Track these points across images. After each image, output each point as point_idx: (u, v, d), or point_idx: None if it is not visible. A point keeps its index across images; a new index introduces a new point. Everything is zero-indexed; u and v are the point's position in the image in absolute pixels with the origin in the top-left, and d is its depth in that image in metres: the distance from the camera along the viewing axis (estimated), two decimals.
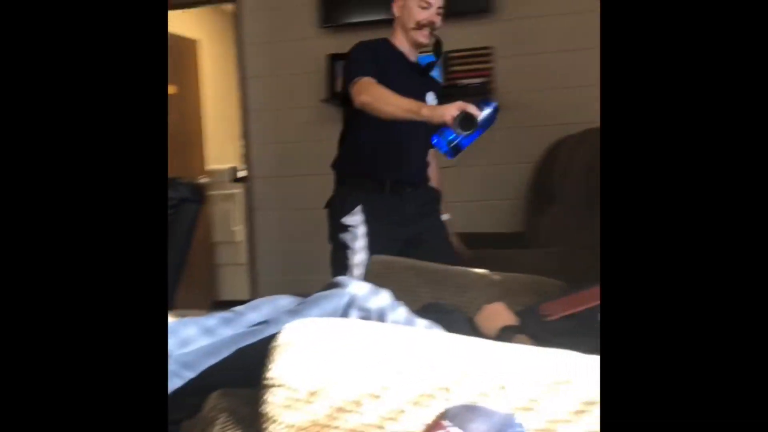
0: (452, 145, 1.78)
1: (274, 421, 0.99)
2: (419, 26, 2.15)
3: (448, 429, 0.91)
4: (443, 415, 0.95)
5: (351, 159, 2.22)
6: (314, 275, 2.07)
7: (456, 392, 1.04)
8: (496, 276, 1.86)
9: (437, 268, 1.86)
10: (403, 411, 1.04)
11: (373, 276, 1.82)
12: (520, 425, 0.95)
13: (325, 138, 3.43)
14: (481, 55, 3.09)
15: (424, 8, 2.14)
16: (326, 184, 2.31)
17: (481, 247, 2.61)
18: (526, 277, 1.88)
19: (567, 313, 1.48)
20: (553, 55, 3.07)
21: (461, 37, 3.11)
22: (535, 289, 1.79)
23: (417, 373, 1.05)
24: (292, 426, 1.00)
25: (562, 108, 3.03)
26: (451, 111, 1.73)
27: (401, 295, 1.46)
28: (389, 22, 3.21)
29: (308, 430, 0.99)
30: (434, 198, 2.35)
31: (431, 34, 2.19)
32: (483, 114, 1.76)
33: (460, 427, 0.89)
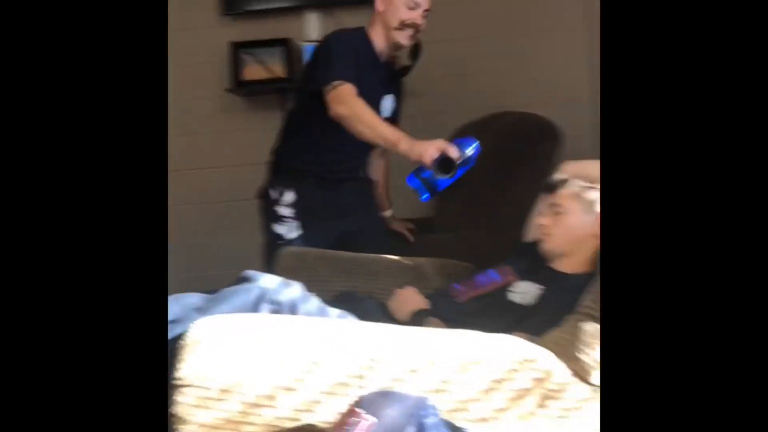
0: (429, 185, 1.67)
1: (185, 422, 0.97)
2: (402, 26, 2.03)
3: (363, 416, 0.92)
4: (357, 403, 0.96)
5: (296, 151, 2.10)
6: (227, 270, 2.02)
7: (370, 379, 1.05)
8: (407, 261, 1.88)
9: (349, 257, 1.87)
10: (318, 402, 1.04)
11: (284, 268, 1.80)
12: (434, 407, 0.97)
13: (232, 129, 3.36)
14: None
15: (411, 8, 2.02)
16: (235, 175, 2.24)
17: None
18: (435, 261, 1.92)
19: (475, 294, 1.53)
20: (454, 43, 3.13)
21: (362, 22, 3.11)
22: (445, 273, 1.83)
23: (330, 363, 1.06)
24: (204, 425, 0.98)
25: (466, 95, 3.09)
26: (430, 152, 1.61)
27: (314, 285, 1.46)
28: (294, 10, 3.17)
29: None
30: (373, 193, 2.33)
31: (413, 36, 2.08)
32: (464, 156, 1.65)
33: (374, 414, 0.91)
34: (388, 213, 2.43)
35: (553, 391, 1.08)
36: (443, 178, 1.62)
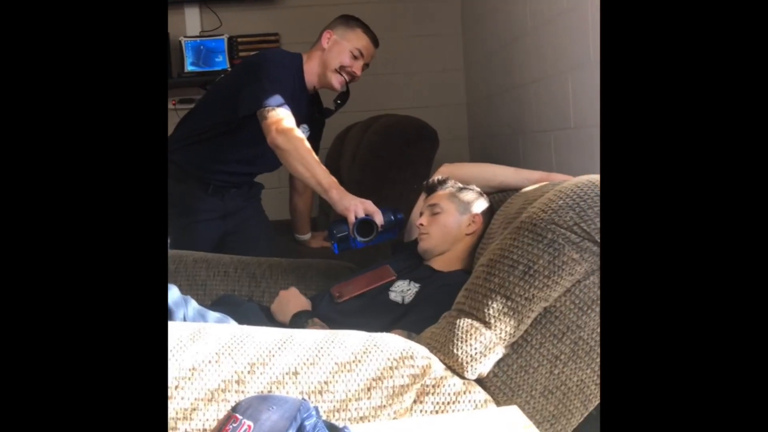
0: (341, 241, 1.64)
1: None
2: (341, 71, 2.04)
3: (242, 421, 0.91)
4: (235, 408, 0.95)
5: (198, 158, 2.03)
6: None
7: (249, 384, 1.04)
8: (290, 263, 1.88)
9: (229, 259, 1.83)
10: (195, 409, 1.02)
11: None
12: (314, 409, 0.98)
13: None
14: (268, 41, 3.08)
15: (355, 57, 2.05)
16: None
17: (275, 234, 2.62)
18: (318, 261, 1.93)
19: (356, 293, 1.55)
20: None
21: (248, 22, 3.06)
22: (328, 273, 1.84)
23: (207, 369, 1.04)
24: None
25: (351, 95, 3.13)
26: (357, 211, 1.60)
27: (193, 289, 1.43)
28: (174, 5, 3.05)
29: None
30: (257, 192, 2.28)
31: (345, 83, 2.09)
32: (387, 225, 1.63)
33: (253, 418, 0.90)
34: (306, 236, 2.48)
35: (429, 386, 1.12)
36: (360, 241, 1.60)
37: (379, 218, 1.61)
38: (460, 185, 1.64)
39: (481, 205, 1.61)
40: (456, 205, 1.60)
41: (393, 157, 2.37)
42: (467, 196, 1.62)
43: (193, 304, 1.34)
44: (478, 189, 1.65)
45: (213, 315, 1.38)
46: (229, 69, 2.98)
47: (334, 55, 2.05)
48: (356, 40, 2.05)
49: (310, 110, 2.17)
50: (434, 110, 2.92)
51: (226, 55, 2.98)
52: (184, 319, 1.30)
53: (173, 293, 1.30)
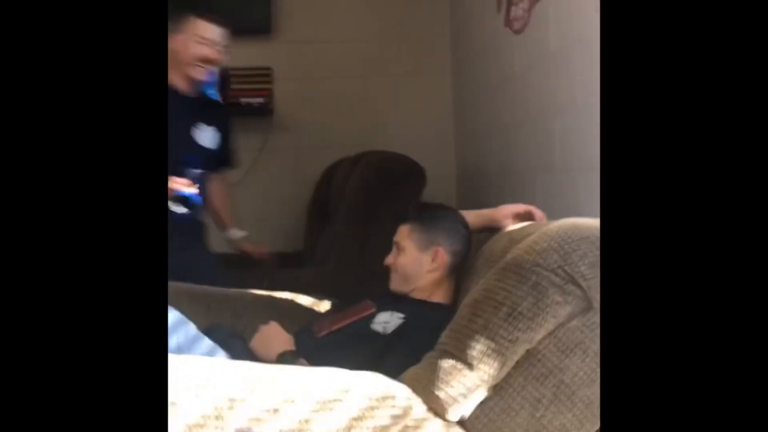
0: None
1: None
2: (198, 63, 2.05)
3: None
4: None
5: None
6: None
7: (228, 419, 1.03)
8: (273, 297, 1.86)
9: (212, 291, 1.82)
10: None
11: None
12: None
13: None
14: (261, 75, 3.10)
15: (204, 44, 2.05)
16: None
17: (260, 267, 2.60)
18: (301, 296, 1.92)
19: (335, 328, 1.54)
20: (330, 80, 3.19)
21: (242, 55, 3.09)
22: (310, 308, 1.83)
23: (187, 403, 1.02)
24: None
25: (339, 131, 3.16)
26: (174, 186, 1.78)
27: None
28: None
29: None
30: (199, 228, 2.23)
31: (210, 70, 2.10)
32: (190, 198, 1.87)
33: None
34: (235, 234, 2.40)
35: (410, 427, 1.11)
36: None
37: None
38: (427, 214, 1.58)
39: (447, 237, 1.54)
40: (416, 243, 1.54)
41: (380, 193, 2.39)
42: (430, 229, 1.55)
43: (190, 330, 1.33)
44: (458, 218, 1.58)
45: (205, 344, 1.36)
46: (221, 101, 3.00)
47: (183, 52, 2.06)
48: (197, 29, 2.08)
49: (202, 110, 2.19)
50: (422, 148, 2.94)
51: (218, 87, 3.00)
52: (178, 345, 1.28)
53: (171, 315, 1.29)
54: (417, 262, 1.54)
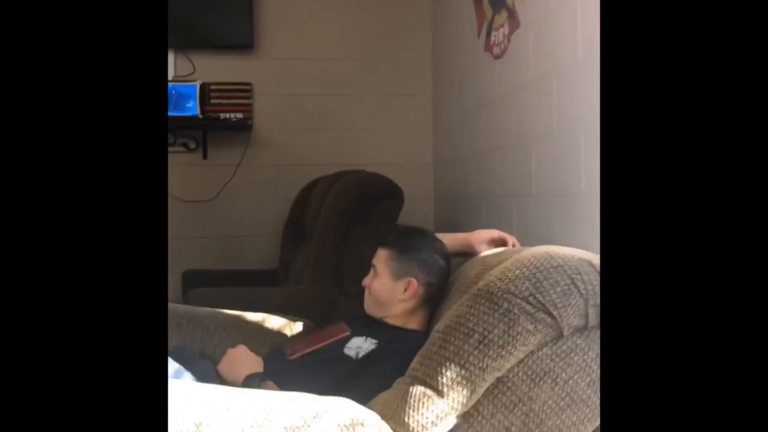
0: None
1: None
2: None
3: None
4: None
5: None
6: None
7: None
8: (246, 317, 1.84)
9: (183, 310, 1.79)
10: None
11: None
12: None
13: None
14: (241, 90, 3.10)
15: None
16: None
17: (233, 284, 2.58)
18: (274, 317, 1.90)
19: (309, 350, 1.52)
20: (310, 98, 3.20)
21: (223, 70, 3.09)
22: (283, 329, 1.81)
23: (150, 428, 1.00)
24: None
25: (318, 149, 3.16)
26: None
27: None
28: None
29: None
30: None
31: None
32: None
33: None
34: None
35: None
36: None
37: None
38: (406, 242, 1.55)
39: (423, 269, 1.51)
40: (390, 270, 1.52)
41: (357, 213, 2.39)
42: (406, 258, 1.52)
43: None
44: (438, 249, 1.56)
45: (171, 367, 1.34)
46: (200, 115, 2.99)
47: None
48: None
49: None
50: (401, 169, 2.95)
51: (197, 101, 2.99)
52: None
53: None
54: (390, 289, 1.53)
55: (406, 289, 1.51)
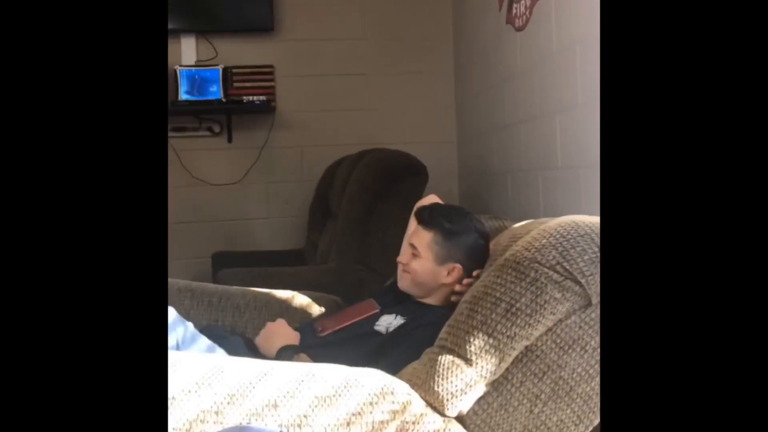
0: None
1: None
2: None
3: None
4: None
5: None
6: None
7: (228, 415, 1.03)
8: (275, 294, 1.87)
9: (214, 289, 1.82)
10: None
11: None
12: None
13: None
14: (264, 73, 3.11)
15: None
16: None
17: (261, 264, 2.61)
18: (304, 294, 1.92)
19: (339, 327, 1.54)
20: (332, 78, 3.19)
21: (245, 54, 3.10)
22: (311, 306, 1.83)
23: (186, 399, 1.03)
24: None
25: (341, 129, 3.16)
26: None
27: None
28: (171, 34, 3.08)
29: None
30: None
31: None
32: None
33: None
34: None
35: (408, 422, 1.11)
36: None
37: None
38: (451, 227, 1.52)
39: (468, 257, 1.49)
40: (434, 254, 1.50)
41: (381, 190, 2.39)
42: (451, 244, 1.50)
43: (188, 328, 1.34)
44: (478, 229, 1.52)
45: (204, 343, 1.37)
46: (223, 99, 3.01)
47: None
48: None
49: None
50: (424, 146, 2.95)
51: (221, 85, 3.01)
52: (177, 343, 1.29)
53: (168, 314, 1.30)
54: (432, 273, 1.51)
55: (449, 274, 1.50)
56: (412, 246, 1.54)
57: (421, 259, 1.52)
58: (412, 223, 1.64)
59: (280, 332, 1.51)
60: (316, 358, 1.38)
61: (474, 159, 3.00)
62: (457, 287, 1.50)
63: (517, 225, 1.55)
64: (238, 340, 1.54)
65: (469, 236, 1.52)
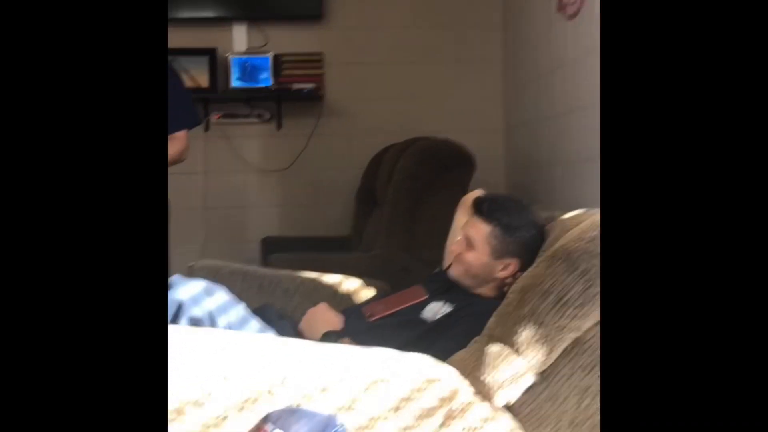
0: None
1: None
2: None
3: None
4: (266, 419, 0.97)
5: None
6: None
7: (279, 396, 1.06)
8: (323, 279, 1.90)
9: (265, 272, 1.87)
10: (226, 417, 1.04)
11: None
12: (342, 425, 0.99)
13: None
14: (313, 60, 3.14)
15: None
16: None
17: (309, 250, 2.65)
18: (350, 279, 1.95)
19: (387, 313, 1.55)
20: (380, 66, 3.20)
21: (293, 41, 3.13)
22: (359, 291, 1.86)
23: (239, 378, 1.06)
24: None
25: (389, 117, 3.17)
26: None
27: None
28: (222, 21, 3.13)
29: None
30: None
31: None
32: None
33: (283, 429, 0.92)
34: None
35: (456, 410, 1.12)
36: None
37: None
38: (510, 221, 1.49)
39: (525, 252, 1.47)
40: (491, 248, 1.49)
41: (428, 179, 2.39)
42: (510, 239, 1.47)
43: (239, 310, 1.35)
44: (536, 223, 1.50)
45: (255, 324, 1.40)
46: (273, 86, 3.04)
47: None
48: None
49: None
50: (472, 135, 2.93)
51: (271, 72, 3.05)
52: (230, 322, 1.32)
53: (221, 296, 1.33)
54: (487, 266, 1.50)
55: (504, 269, 1.49)
56: (468, 237, 1.53)
57: (476, 252, 1.51)
58: (464, 212, 1.64)
59: (323, 317, 1.53)
60: (361, 343, 1.40)
61: (522, 149, 2.97)
62: (509, 280, 1.49)
63: (567, 216, 1.53)
64: (287, 324, 1.57)
65: (527, 231, 1.49)
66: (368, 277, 1.96)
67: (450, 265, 1.60)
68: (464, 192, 2.35)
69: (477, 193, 1.73)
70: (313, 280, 1.87)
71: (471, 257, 1.52)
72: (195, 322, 1.27)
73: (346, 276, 1.90)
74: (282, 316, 1.69)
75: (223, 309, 1.33)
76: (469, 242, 1.52)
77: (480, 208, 1.54)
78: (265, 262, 2.56)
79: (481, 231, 1.51)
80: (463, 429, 1.12)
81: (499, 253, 1.50)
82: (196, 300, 1.29)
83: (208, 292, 1.32)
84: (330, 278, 1.89)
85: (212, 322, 1.29)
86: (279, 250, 2.60)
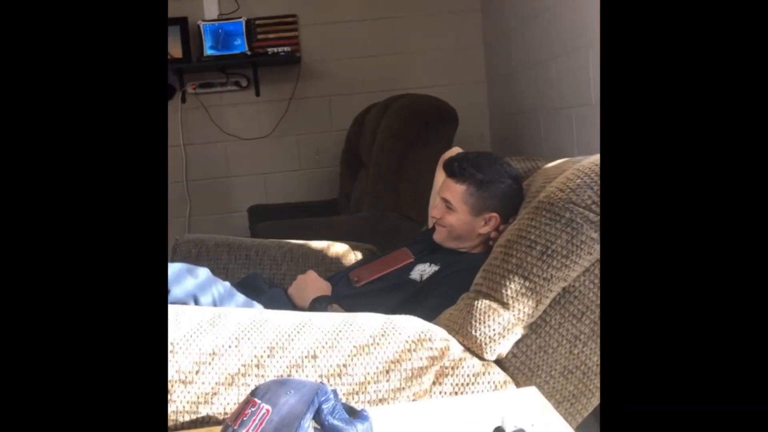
0: None
1: None
2: None
3: (260, 405, 0.92)
4: (254, 392, 0.96)
5: None
6: None
7: (268, 368, 1.05)
8: (311, 245, 1.88)
9: (251, 242, 1.85)
10: (216, 393, 1.04)
11: (184, 257, 1.76)
12: (332, 392, 0.98)
13: None
14: (287, 23, 3.06)
15: None
16: None
17: (296, 216, 2.63)
18: (337, 244, 1.93)
19: (374, 277, 1.55)
20: (356, 24, 3.13)
21: (265, 4, 3.05)
22: (347, 255, 1.84)
23: (227, 354, 1.05)
24: None
25: (368, 76, 3.11)
26: None
27: (215, 272, 1.43)
28: None
29: None
30: None
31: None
32: None
33: (271, 403, 0.91)
34: None
35: (447, 368, 1.12)
36: None
37: None
38: (483, 176, 1.48)
39: (504, 204, 1.48)
40: (469, 207, 1.49)
41: (412, 137, 2.36)
42: (486, 194, 1.47)
43: (224, 285, 1.36)
44: (510, 173, 1.50)
45: (240, 298, 1.39)
46: (248, 52, 2.98)
47: None
48: None
49: None
50: (453, 89, 2.89)
51: (245, 38, 2.98)
52: (213, 301, 1.32)
53: (203, 273, 1.32)
54: (469, 225, 1.50)
55: (486, 223, 1.49)
56: (445, 200, 1.52)
57: (456, 212, 1.50)
58: (440, 175, 1.62)
59: (311, 284, 1.53)
60: (351, 308, 1.39)
61: (505, 99, 2.93)
62: (494, 234, 1.49)
63: (550, 165, 1.51)
64: (279, 291, 1.56)
65: (502, 183, 1.49)
66: (358, 239, 1.95)
67: (433, 229, 1.58)
68: (449, 146, 2.33)
69: (451, 152, 1.71)
70: (301, 247, 1.85)
71: (452, 219, 1.51)
72: (176, 301, 1.26)
73: (333, 242, 1.88)
74: (272, 283, 1.68)
75: (205, 286, 1.32)
76: (447, 204, 1.51)
77: (451, 170, 1.52)
78: (253, 231, 2.54)
79: (457, 191, 1.50)
80: (455, 385, 1.12)
81: (478, 210, 1.49)
82: (177, 280, 1.28)
83: (190, 271, 1.31)
84: (318, 244, 1.88)
85: (197, 297, 1.28)
86: (266, 218, 2.58)
